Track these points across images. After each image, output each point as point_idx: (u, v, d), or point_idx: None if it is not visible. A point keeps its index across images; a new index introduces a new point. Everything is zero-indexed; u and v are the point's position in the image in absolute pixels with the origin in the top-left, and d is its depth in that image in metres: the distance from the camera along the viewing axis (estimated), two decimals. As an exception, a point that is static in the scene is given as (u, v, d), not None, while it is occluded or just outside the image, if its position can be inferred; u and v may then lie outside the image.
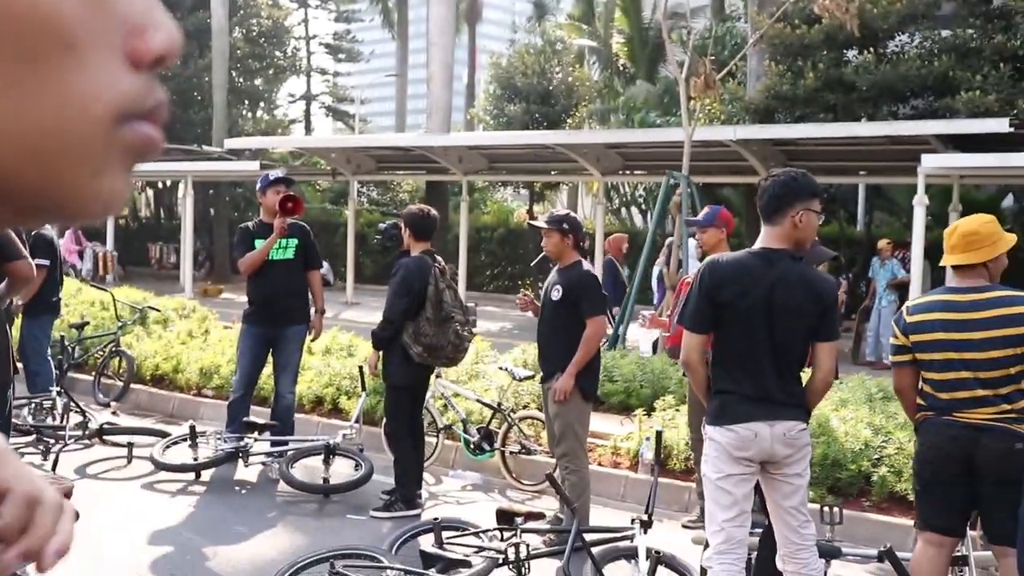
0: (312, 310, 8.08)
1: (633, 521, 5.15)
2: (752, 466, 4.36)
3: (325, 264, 27.50)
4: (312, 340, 8.42)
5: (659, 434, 5.68)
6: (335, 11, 45.56)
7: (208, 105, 30.79)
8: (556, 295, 6.25)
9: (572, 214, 6.45)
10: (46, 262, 8.62)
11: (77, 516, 2.09)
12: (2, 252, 5.34)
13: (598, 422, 8.67)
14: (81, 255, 24.76)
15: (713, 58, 11.63)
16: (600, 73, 30.29)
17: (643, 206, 28.89)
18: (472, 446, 8.03)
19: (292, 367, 8.01)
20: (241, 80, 34.26)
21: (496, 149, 21.02)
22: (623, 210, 30.87)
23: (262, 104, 37.93)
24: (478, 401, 8.26)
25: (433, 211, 7.11)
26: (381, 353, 6.93)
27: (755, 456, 4.33)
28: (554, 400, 6.22)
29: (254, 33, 34.84)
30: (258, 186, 8.03)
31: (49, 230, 9.17)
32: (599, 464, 7.80)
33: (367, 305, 20.03)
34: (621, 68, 29.19)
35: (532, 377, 7.88)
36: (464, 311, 6.94)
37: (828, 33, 17.76)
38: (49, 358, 8.94)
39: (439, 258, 6.97)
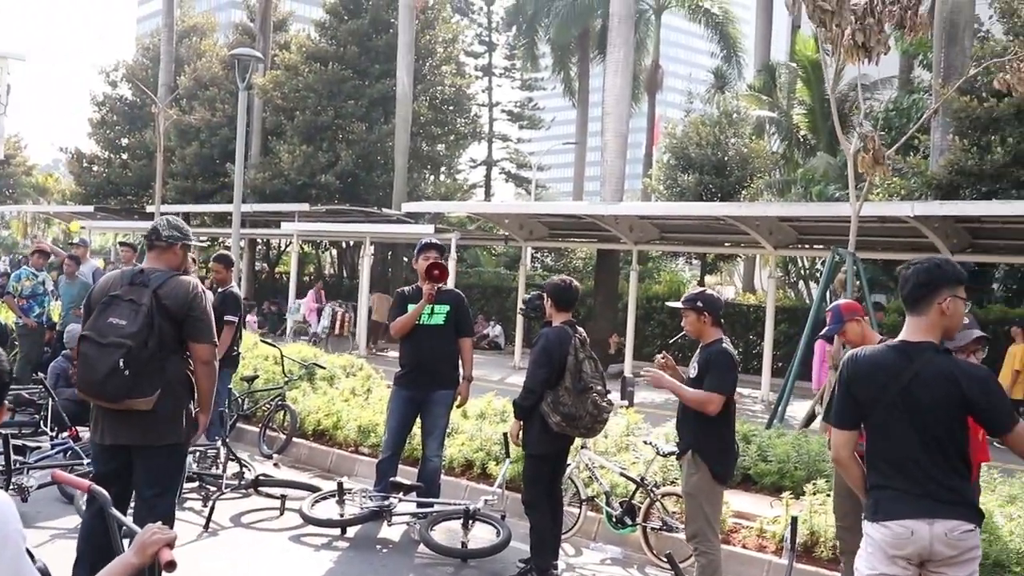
0: (461, 376, 8.26)
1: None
2: (909, 568, 4.08)
3: (497, 328, 28.06)
4: (458, 406, 8.57)
5: (795, 520, 5.52)
6: (518, 79, 46.77)
7: (390, 169, 31.97)
8: (692, 372, 6.23)
9: (709, 291, 6.39)
10: (234, 318, 9.63)
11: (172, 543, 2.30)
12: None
13: (748, 502, 8.50)
14: (319, 313, 25.94)
15: (883, 133, 11.34)
16: (779, 144, 29.91)
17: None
18: (614, 519, 7.98)
19: (438, 431, 8.18)
20: (423, 145, 35.37)
21: (667, 219, 21.00)
22: (800, 284, 30.22)
23: (443, 169, 39.06)
24: (622, 474, 8.22)
25: (575, 283, 7.22)
26: (522, 422, 7.02)
27: (912, 555, 4.03)
28: (682, 479, 6.17)
29: (437, 100, 36.01)
30: (415, 251, 8.32)
31: (236, 287, 9.96)
32: (743, 547, 7.61)
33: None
34: (801, 139, 28.73)
35: (676, 453, 7.77)
36: (603, 382, 6.96)
37: (1019, 107, 17.08)
38: (224, 409, 9.52)
39: (580, 329, 7.03)
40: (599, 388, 6.85)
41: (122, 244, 16.29)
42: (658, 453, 7.85)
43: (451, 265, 22.04)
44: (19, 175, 64.18)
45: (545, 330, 6.98)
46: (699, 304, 6.19)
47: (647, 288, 26.96)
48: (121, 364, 5.12)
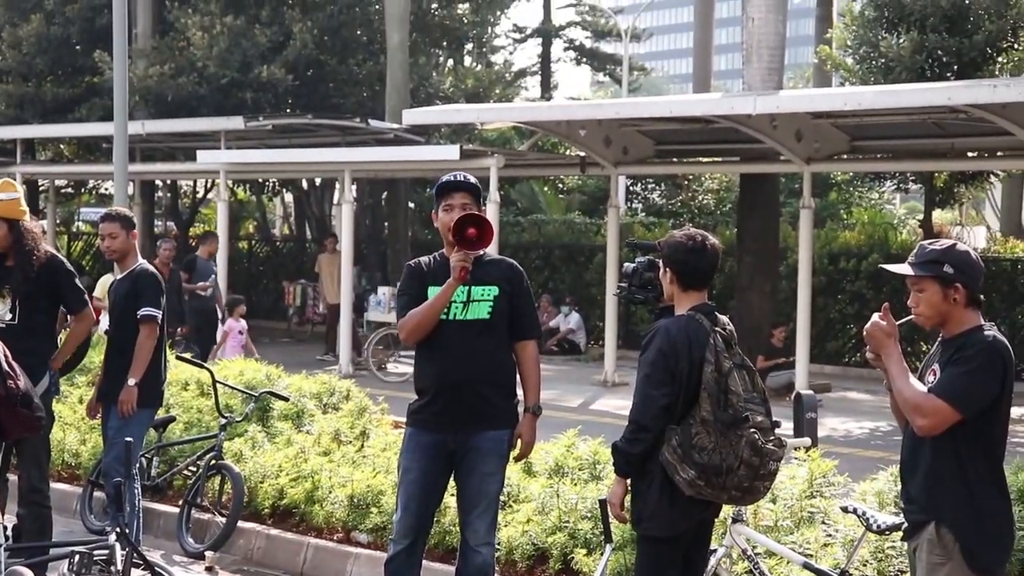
0: (520, 406, 8.24)
1: None
2: None
3: (573, 316, 28.03)
4: (516, 458, 8.42)
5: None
6: None
7: (379, 52, 31.96)
8: (931, 380, 6.11)
9: (961, 246, 6.22)
10: (155, 313, 10.00)
11: None
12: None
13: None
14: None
15: None
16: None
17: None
18: (798, 644, 8.00)
19: (486, 501, 8.10)
20: (433, 8, 35.16)
21: (864, 116, 20.67)
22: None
23: (468, 48, 38.80)
24: (806, 567, 8.22)
25: (712, 240, 7.06)
26: (629, 482, 7.03)
27: None
28: (925, 569, 6.12)
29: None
30: (435, 194, 8.33)
31: (147, 264, 10.40)
32: None
33: (637, 387, 20.17)
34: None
35: (903, 527, 7.79)
36: (767, 406, 6.86)
37: None
38: (134, 472, 9.79)
39: (722, 318, 6.98)
40: (759, 419, 6.74)
41: None
42: (869, 528, 7.82)
43: (493, 216, 22.00)
44: None
45: (662, 322, 6.94)
46: (946, 270, 6.00)
47: (829, 238, 26.76)
48: None
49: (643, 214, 32.51)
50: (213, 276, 21.44)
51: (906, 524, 6.36)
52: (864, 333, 6.05)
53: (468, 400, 7.92)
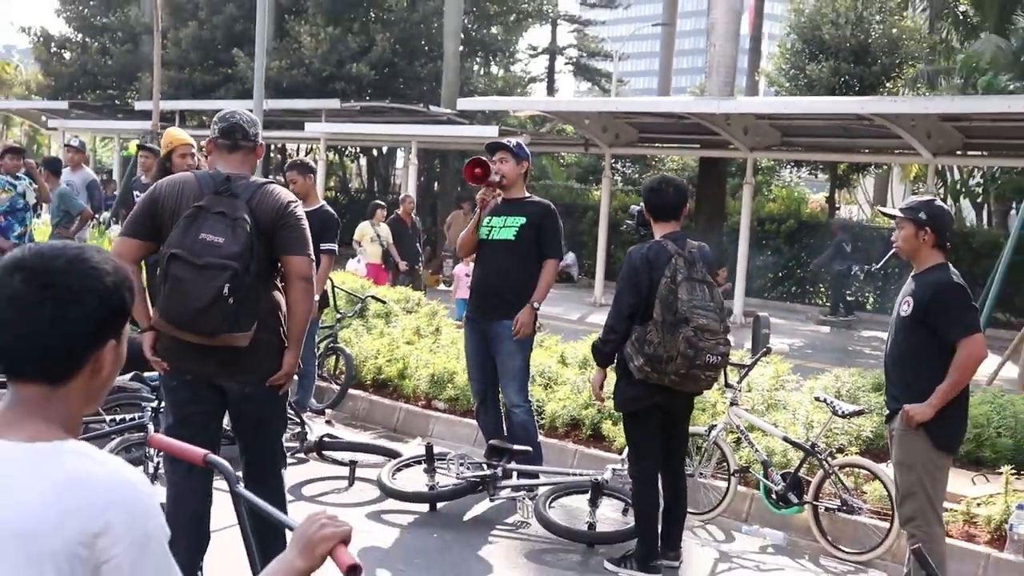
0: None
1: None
2: None
3: (570, 255, 27.69)
4: (515, 334, 7.88)
5: None
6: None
7: (436, 57, 31.73)
8: (905, 309, 5.84)
9: (937, 202, 6.00)
10: (333, 247, 9.34)
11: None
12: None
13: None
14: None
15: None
16: (930, 25, 28.93)
17: (979, 198, 27.41)
18: (774, 496, 7.70)
19: (512, 373, 7.92)
20: (476, 28, 34.99)
21: (793, 119, 20.54)
22: (950, 202, 29.44)
23: (499, 58, 38.58)
24: (784, 439, 7.92)
25: (679, 182, 6.94)
26: (607, 372, 6.77)
27: None
28: (896, 444, 5.86)
29: (493, -30, 35.60)
30: None
31: (328, 206, 9.77)
32: (948, 535, 7.29)
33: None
34: (961, 17, 27.73)
35: (861, 413, 7.49)
36: (720, 315, 6.47)
37: None
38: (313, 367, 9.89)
39: (693, 243, 6.61)
40: (703, 322, 6.30)
41: (68, 146, 16.15)
42: (836, 413, 7.53)
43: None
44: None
45: (632, 248, 6.66)
46: (922, 216, 5.82)
47: (758, 205, 26.44)
48: (226, 291, 4.98)
49: (621, 184, 32.11)
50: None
51: (888, 411, 6.07)
52: (906, 419, 5.77)
53: (492, 298, 7.88)
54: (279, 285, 5.44)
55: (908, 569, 6.02)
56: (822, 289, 24.99)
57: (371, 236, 17.09)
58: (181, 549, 5.09)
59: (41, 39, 44.84)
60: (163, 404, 8.12)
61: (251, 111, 8.97)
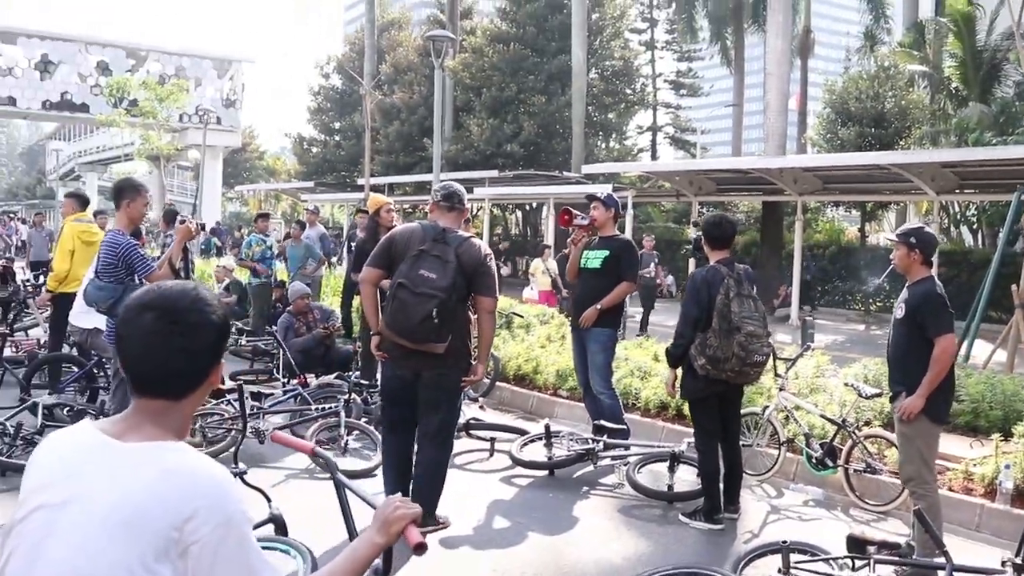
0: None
1: (1004, 564, 4.11)
2: None
3: (670, 277, 27.00)
4: (581, 325, 7.48)
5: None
6: (679, 51, 45.03)
7: (568, 136, 31.37)
8: (900, 312, 5.33)
9: (924, 228, 5.42)
10: None
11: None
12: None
13: (944, 443, 7.46)
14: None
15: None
16: (930, 97, 27.49)
17: (974, 225, 25.90)
18: (814, 461, 7.11)
19: (596, 366, 7.52)
20: (596, 114, 34.61)
21: (830, 170, 19.65)
22: (952, 229, 27.85)
23: (614, 135, 38.15)
24: (821, 416, 7.33)
25: (728, 217, 6.48)
26: (679, 371, 6.30)
27: None
28: (897, 418, 5.30)
29: (608, 73, 35.21)
30: None
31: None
32: (950, 490, 6.64)
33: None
34: (953, 91, 26.31)
35: (880, 395, 6.87)
36: (763, 324, 6.02)
37: None
38: None
39: (741, 267, 6.18)
40: (751, 329, 5.89)
41: (307, 210, 16.65)
42: (860, 395, 6.92)
43: (628, 222, 21.33)
44: (253, 160, 66.42)
45: (694, 271, 6.22)
46: (912, 240, 5.28)
47: (808, 236, 25.37)
48: (434, 314, 5.18)
49: (705, 223, 31.32)
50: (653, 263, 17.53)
51: (891, 394, 5.49)
52: (903, 412, 5.25)
53: (580, 310, 7.47)
54: (470, 307, 5.60)
55: (912, 532, 5.42)
56: (858, 297, 23.92)
57: (542, 269, 16.71)
58: (390, 480, 5.62)
59: (297, 140, 46.17)
60: (365, 394, 8.03)
61: (443, 182, 8.76)
